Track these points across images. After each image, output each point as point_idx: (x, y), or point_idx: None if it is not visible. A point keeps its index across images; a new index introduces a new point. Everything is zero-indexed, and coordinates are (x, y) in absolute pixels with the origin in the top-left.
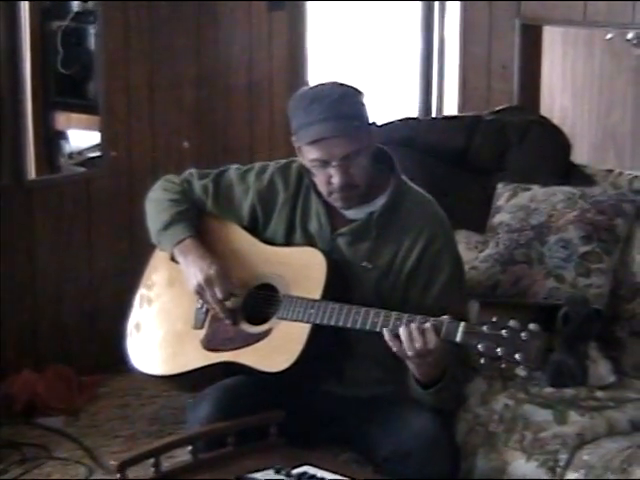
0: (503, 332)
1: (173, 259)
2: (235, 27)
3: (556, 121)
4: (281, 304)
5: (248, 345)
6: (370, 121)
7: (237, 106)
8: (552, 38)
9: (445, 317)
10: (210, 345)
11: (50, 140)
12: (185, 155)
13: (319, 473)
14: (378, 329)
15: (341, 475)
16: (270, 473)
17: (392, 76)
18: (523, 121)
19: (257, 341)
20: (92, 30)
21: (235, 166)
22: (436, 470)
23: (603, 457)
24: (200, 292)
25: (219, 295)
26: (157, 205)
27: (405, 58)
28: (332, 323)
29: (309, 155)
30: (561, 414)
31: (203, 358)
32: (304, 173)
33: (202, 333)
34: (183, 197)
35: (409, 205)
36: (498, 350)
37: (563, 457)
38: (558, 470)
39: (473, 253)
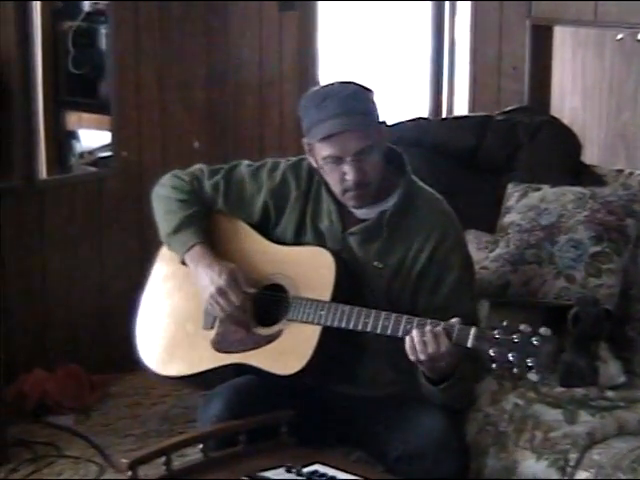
0: (514, 337)
1: (183, 262)
2: (246, 27)
3: (566, 121)
4: (290, 305)
5: (259, 347)
6: (381, 119)
7: (247, 106)
8: (563, 38)
9: (456, 321)
10: (220, 346)
11: (61, 140)
12: (195, 155)
13: (330, 472)
14: (389, 333)
15: (352, 474)
16: (281, 472)
17: (402, 76)
18: (533, 121)
19: (268, 343)
20: (103, 30)
21: (246, 162)
22: (446, 470)
23: (613, 457)
24: (213, 304)
25: (231, 305)
26: (166, 205)
27: (415, 58)
28: (342, 326)
29: (322, 152)
30: (571, 414)
31: (214, 359)
32: (314, 171)
33: (212, 334)
34: (192, 197)
35: (420, 204)
36: (510, 355)
37: (573, 457)
38: (568, 470)
39: (483, 253)
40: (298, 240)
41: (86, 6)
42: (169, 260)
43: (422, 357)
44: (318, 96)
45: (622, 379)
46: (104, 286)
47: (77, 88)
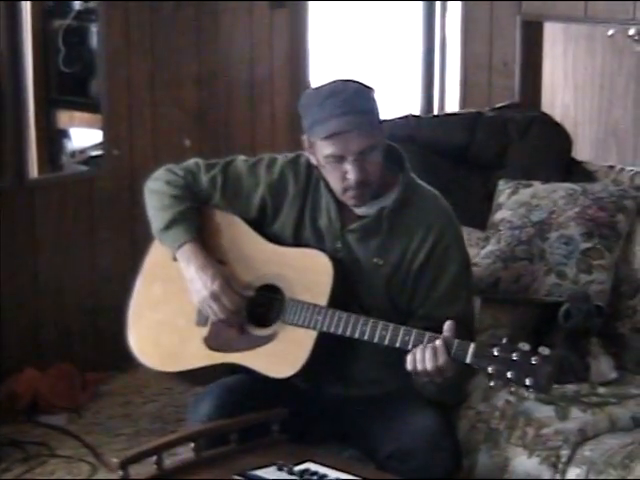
0: (513, 355)
1: (175, 259)
2: (236, 25)
3: (557, 117)
4: (286, 307)
5: (252, 348)
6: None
7: (238, 104)
8: (553, 34)
9: (451, 334)
10: (214, 345)
11: (52, 139)
12: (187, 153)
13: (321, 470)
14: (386, 342)
15: (343, 472)
16: (272, 470)
17: (394, 74)
18: (524, 118)
19: (262, 344)
20: (94, 29)
21: (242, 157)
22: (438, 468)
23: (605, 453)
24: (206, 308)
25: (224, 311)
26: (159, 200)
27: (407, 55)
28: (339, 332)
29: (324, 150)
30: (563, 410)
31: (206, 357)
32: (313, 167)
33: (205, 331)
34: (186, 193)
35: (418, 201)
36: (508, 374)
37: (565, 453)
38: (560, 466)
39: (474, 250)
40: (296, 237)
41: (77, 5)
42: (162, 252)
43: (420, 369)
44: (320, 94)
45: (613, 375)
46: (96, 285)
47: (68, 87)
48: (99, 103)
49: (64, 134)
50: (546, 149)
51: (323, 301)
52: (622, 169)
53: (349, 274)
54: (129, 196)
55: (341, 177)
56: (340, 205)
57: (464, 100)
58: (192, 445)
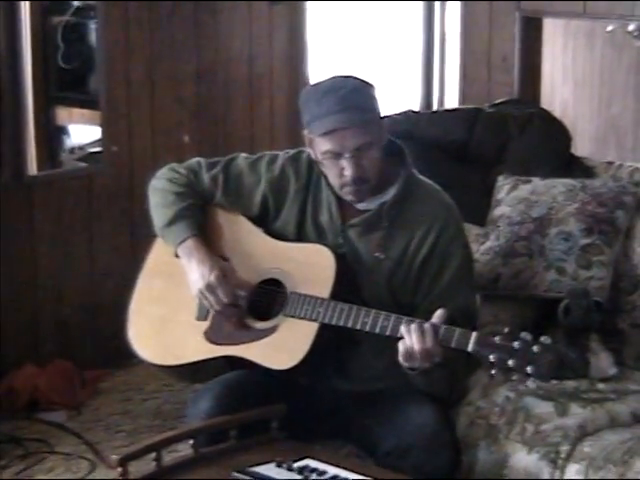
0: (515, 344)
1: (177, 255)
2: (235, 21)
3: (557, 113)
4: (288, 301)
5: (253, 341)
6: (382, 114)
7: (237, 100)
8: (553, 30)
9: (439, 319)
10: (214, 338)
11: (51, 135)
12: (186, 149)
13: (320, 466)
14: (388, 333)
15: (342, 468)
16: (271, 467)
17: (393, 69)
18: (524, 113)
19: (263, 337)
20: (93, 25)
21: (244, 154)
22: (437, 464)
23: (604, 449)
24: (202, 299)
25: (220, 302)
26: (162, 197)
27: (406, 51)
28: (340, 324)
29: (322, 147)
30: (562, 406)
31: (206, 351)
32: (314, 163)
33: (205, 325)
34: (188, 190)
35: (420, 195)
36: (510, 362)
37: (564, 449)
38: (559, 462)
39: (474, 246)
40: (299, 234)
41: (75, 1)
42: (164, 249)
43: (410, 353)
44: (319, 90)
45: (613, 371)
46: (95, 282)
47: (67, 83)
48: (98, 100)
49: (63, 131)
50: (545, 145)
51: (325, 295)
52: (621, 165)
53: (351, 268)
54: (128, 192)
55: (339, 173)
56: (341, 200)
57: (463, 96)
58: (191, 442)
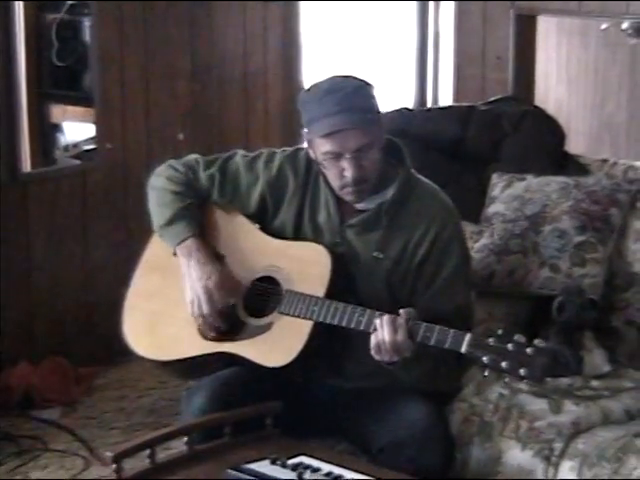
0: (509, 346)
1: (175, 254)
2: (230, 19)
3: (551, 111)
4: (283, 298)
5: (247, 338)
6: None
7: (232, 98)
8: (547, 28)
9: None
10: (208, 334)
11: (45, 133)
12: (180, 147)
13: (315, 463)
14: None
15: (337, 465)
16: (266, 463)
17: (387, 68)
18: (518, 111)
19: (257, 334)
20: (87, 22)
21: (241, 152)
22: (431, 460)
23: (598, 446)
24: (194, 300)
25: (212, 308)
26: (160, 196)
27: (400, 49)
28: (335, 322)
29: (322, 148)
30: (556, 403)
31: (201, 347)
32: (312, 162)
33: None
34: (187, 189)
35: (419, 195)
36: (503, 364)
37: (558, 446)
38: (553, 459)
39: (468, 243)
40: (296, 233)
41: None
42: (161, 246)
43: (381, 345)
44: (319, 90)
45: (607, 368)
46: (89, 279)
47: (61, 81)
48: (92, 97)
49: (57, 128)
50: (539, 142)
51: (320, 293)
52: (615, 162)
53: (349, 268)
54: (122, 190)
55: (339, 174)
56: (339, 200)
57: (457, 93)
58: (185, 439)
